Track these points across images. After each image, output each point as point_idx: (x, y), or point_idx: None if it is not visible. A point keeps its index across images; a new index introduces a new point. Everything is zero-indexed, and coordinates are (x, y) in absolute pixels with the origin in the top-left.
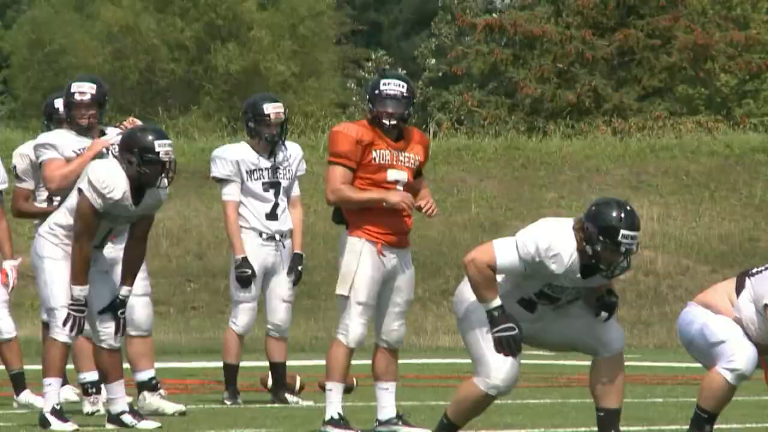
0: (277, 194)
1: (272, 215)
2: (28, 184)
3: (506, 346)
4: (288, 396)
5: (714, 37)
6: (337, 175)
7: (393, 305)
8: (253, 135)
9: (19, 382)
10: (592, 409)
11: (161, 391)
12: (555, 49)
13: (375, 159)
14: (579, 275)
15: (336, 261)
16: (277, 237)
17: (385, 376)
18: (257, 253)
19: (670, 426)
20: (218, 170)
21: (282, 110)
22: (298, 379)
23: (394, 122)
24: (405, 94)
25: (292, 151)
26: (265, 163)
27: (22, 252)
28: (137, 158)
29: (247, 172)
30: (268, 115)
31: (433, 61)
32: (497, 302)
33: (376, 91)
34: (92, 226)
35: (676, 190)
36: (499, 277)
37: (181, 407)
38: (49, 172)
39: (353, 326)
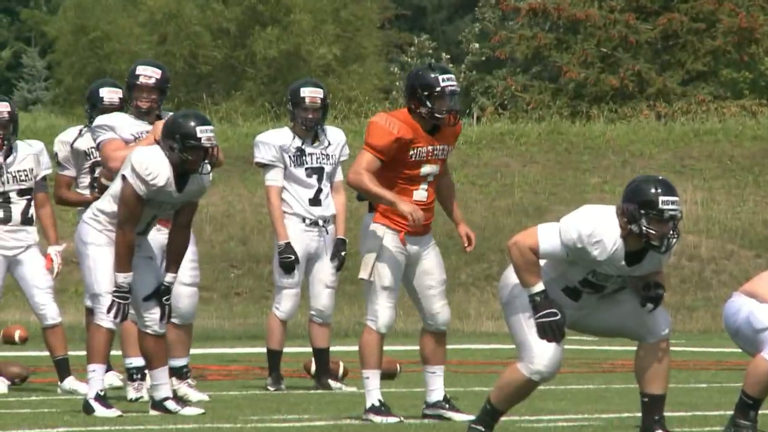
0: (320, 180)
1: (315, 201)
2: (70, 172)
3: (549, 332)
4: (331, 382)
5: (758, 20)
6: (364, 161)
7: (427, 288)
8: (296, 119)
9: (63, 368)
10: (636, 395)
11: (189, 380)
12: (598, 33)
13: (413, 156)
14: (624, 263)
15: None
16: (320, 222)
17: (433, 359)
18: (300, 238)
19: (715, 412)
20: (261, 155)
21: (319, 95)
22: (342, 364)
23: (454, 119)
24: (458, 89)
25: (335, 137)
26: (309, 149)
27: (66, 238)
28: (179, 144)
29: (290, 158)
30: (304, 99)
31: (477, 45)
32: (540, 287)
33: (438, 89)
34: (136, 213)
35: (720, 174)
36: (544, 263)
37: (205, 397)
38: (110, 152)
39: (381, 311)
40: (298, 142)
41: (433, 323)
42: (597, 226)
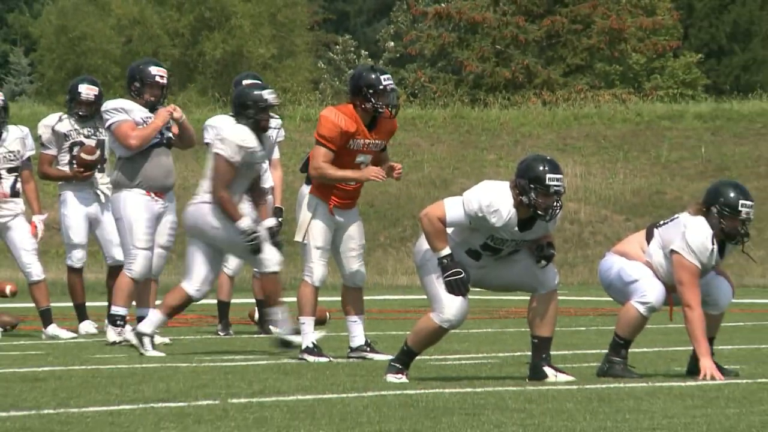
0: None
1: None
2: (51, 151)
3: (456, 288)
4: (272, 327)
5: (626, 22)
6: (320, 155)
7: (349, 251)
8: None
9: (46, 318)
10: (527, 337)
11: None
12: (493, 33)
13: (351, 146)
14: (517, 229)
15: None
16: None
17: (353, 310)
18: (243, 206)
19: (592, 350)
20: (209, 137)
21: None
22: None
23: (391, 112)
24: (395, 87)
25: (273, 122)
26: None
27: (47, 208)
28: (253, 110)
29: None
30: (261, 95)
31: (392, 44)
32: (447, 251)
33: (380, 87)
34: (229, 179)
35: (596, 151)
36: (450, 231)
37: (166, 339)
38: (125, 131)
39: (316, 267)
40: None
41: (352, 281)
42: (494, 198)
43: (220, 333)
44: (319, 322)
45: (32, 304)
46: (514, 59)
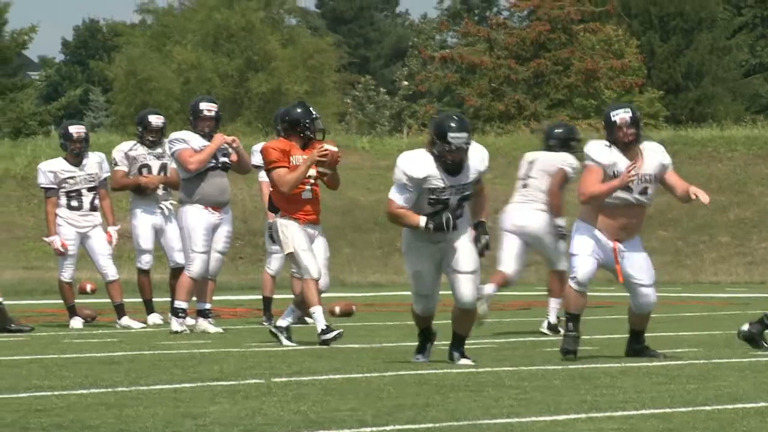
0: None
1: None
2: (124, 168)
3: (450, 225)
4: (307, 319)
5: (599, 64)
6: (281, 175)
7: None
8: (282, 135)
9: (120, 311)
10: (520, 326)
11: (210, 319)
12: (489, 73)
13: (293, 162)
14: (446, 175)
15: (341, 223)
16: None
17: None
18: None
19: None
20: (256, 160)
21: None
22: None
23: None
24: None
25: None
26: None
27: (120, 220)
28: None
29: None
30: None
31: (406, 82)
32: (423, 219)
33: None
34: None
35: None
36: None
37: (220, 330)
38: (185, 157)
39: (310, 265)
40: None
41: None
42: (406, 161)
43: (264, 323)
44: (346, 314)
45: (108, 300)
46: (507, 95)
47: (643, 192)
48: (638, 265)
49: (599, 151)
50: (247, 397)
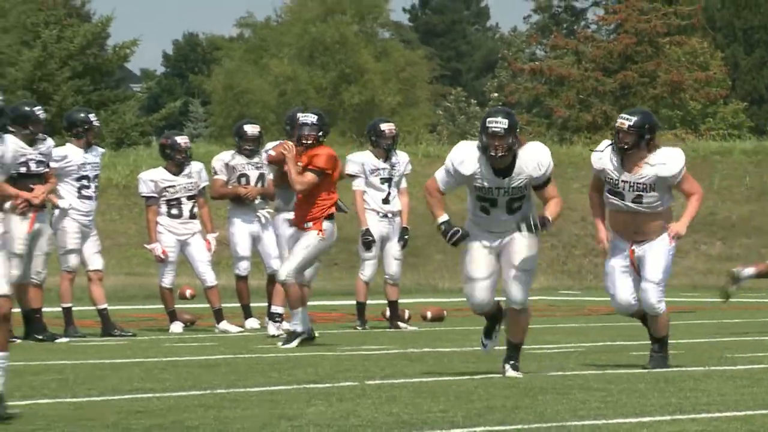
0: (389, 186)
1: (386, 200)
2: (223, 177)
3: (457, 241)
4: (400, 324)
5: (685, 76)
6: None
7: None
8: (375, 145)
9: (219, 316)
10: (607, 330)
11: (277, 323)
12: (577, 85)
13: None
14: (493, 176)
15: (432, 231)
16: (390, 215)
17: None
18: (376, 226)
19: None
20: (350, 169)
21: (393, 128)
22: (407, 312)
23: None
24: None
25: (401, 157)
26: (383, 165)
27: (219, 228)
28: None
29: (369, 171)
30: (384, 131)
31: (496, 94)
32: (444, 217)
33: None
34: None
35: None
36: (468, 201)
37: (281, 332)
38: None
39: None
40: (375, 160)
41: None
42: (459, 152)
43: (358, 328)
44: (438, 319)
45: (207, 305)
46: (594, 106)
47: (637, 200)
48: (646, 260)
49: (594, 156)
50: (342, 399)
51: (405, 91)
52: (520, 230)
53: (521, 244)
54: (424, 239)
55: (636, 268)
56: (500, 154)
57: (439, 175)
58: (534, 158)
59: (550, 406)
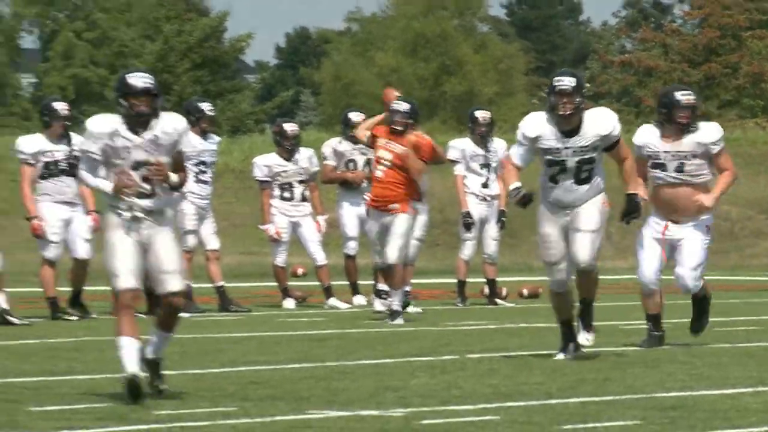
0: (488, 171)
1: (485, 185)
2: (332, 163)
3: (526, 202)
4: (498, 300)
5: (766, 67)
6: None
7: None
8: (473, 132)
9: (328, 293)
10: (690, 309)
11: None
12: (664, 76)
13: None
14: (561, 135)
15: (527, 213)
16: (488, 198)
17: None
18: (476, 208)
19: (742, 317)
20: (451, 154)
21: (488, 116)
22: (504, 289)
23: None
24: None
25: (499, 144)
26: (480, 151)
27: (328, 210)
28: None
29: (469, 156)
30: (478, 119)
31: (588, 84)
32: (515, 184)
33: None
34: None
35: (743, 166)
36: (541, 173)
37: (419, 310)
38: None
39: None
40: (474, 146)
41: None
42: (527, 118)
43: (458, 305)
44: (534, 296)
45: (318, 282)
46: None
47: (679, 169)
48: (682, 249)
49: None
50: (444, 371)
51: (502, 81)
52: (627, 215)
53: (587, 209)
54: (521, 221)
55: (664, 247)
56: (568, 113)
57: (512, 149)
58: (600, 116)
59: (638, 378)
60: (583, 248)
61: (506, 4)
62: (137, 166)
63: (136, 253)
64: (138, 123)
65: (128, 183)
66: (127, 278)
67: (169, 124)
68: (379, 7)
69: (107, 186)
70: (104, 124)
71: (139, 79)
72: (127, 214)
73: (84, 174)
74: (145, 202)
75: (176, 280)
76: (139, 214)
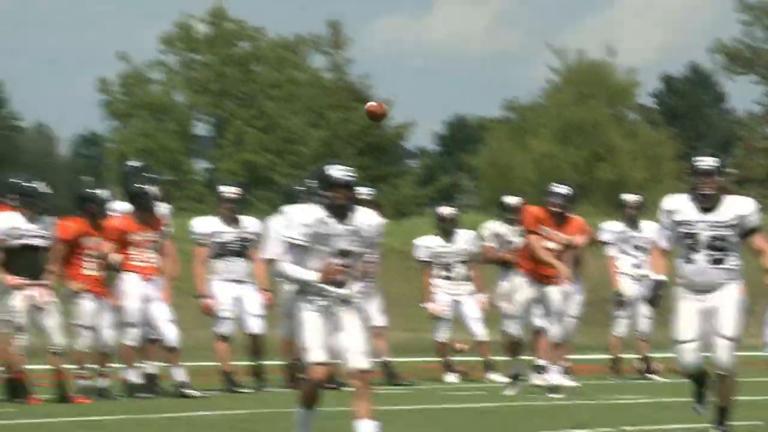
0: (639, 251)
1: (637, 265)
2: (491, 244)
3: (654, 300)
4: (652, 375)
5: None
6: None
7: None
8: (623, 215)
9: (489, 367)
10: None
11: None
12: None
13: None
14: (697, 212)
15: None
16: (640, 278)
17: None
18: (629, 287)
19: None
20: (604, 237)
21: (636, 199)
22: (659, 365)
23: None
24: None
25: (648, 226)
26: (631, 232)
27: (486, 288)
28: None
29: (621, 238)
30: (627, 201)
31: (733, 170)
32: (659, 277)
33: None
34: None
35: None
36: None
37: (574, 383)
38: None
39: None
40: (624, 228)
41: None
42: (668, 197)
43: (612, 379)
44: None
45: (479, 358)
46: None
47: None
48: (719, 314)
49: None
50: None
51: (652, 167)
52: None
53: (727, 312)
54: (673, 299)
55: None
56: (707, 191)
57: (658, 232)
58: (742, 200)
59: None
60: (723, 354)
61: (655, 93)
62: (339, 254)
63: (325, 330)
64: (337, 213)
65: (336, 270)
66: (317, 353)
67: (367, 218)
68: (533, 95)
69: (311, 275)
70: (308, 212)
71: (341, 173)
72: (323, 303)
73: (284, 265)
74: (342, 291)
75: (363, 358)
76: (333, 303)
